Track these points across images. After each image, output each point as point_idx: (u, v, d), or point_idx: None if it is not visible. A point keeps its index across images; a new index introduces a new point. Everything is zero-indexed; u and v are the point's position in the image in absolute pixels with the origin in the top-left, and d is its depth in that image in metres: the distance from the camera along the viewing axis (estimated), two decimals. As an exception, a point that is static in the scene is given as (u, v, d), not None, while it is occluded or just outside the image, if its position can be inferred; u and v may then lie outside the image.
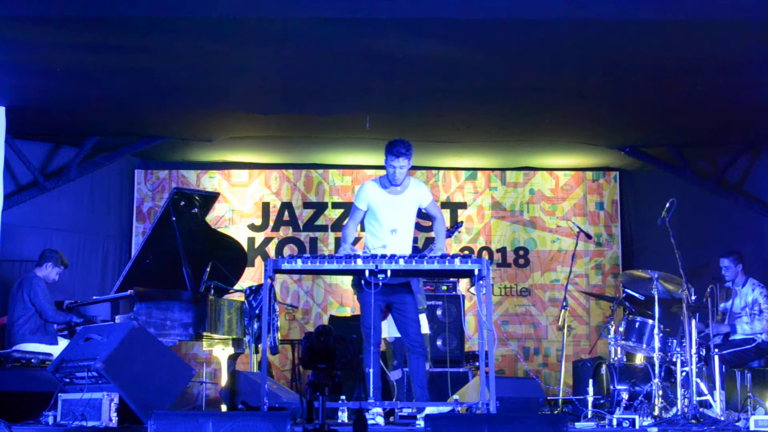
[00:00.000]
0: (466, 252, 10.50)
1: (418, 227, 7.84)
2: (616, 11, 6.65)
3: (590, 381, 7.51)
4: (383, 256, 6.11)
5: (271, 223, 10.89)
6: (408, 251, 6.59)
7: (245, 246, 9.42)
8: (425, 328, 7.83)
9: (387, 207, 6.61)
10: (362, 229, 6.84)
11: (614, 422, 6.74)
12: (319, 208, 10.95)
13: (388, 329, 7.36)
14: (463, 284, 8.93)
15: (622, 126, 9.57)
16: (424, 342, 6.88)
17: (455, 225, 8.22)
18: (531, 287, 10.89)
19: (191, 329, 7.13)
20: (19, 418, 6.22)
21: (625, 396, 7.46)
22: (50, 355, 7.58)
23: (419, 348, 6.62)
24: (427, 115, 9.12)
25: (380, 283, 6.14)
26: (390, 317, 6.88)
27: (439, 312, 8.71)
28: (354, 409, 6.15)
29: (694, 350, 7.12)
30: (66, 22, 6.89)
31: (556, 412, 7.85)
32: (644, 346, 7.58)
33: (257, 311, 7.33)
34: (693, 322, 7.18)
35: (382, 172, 6.70)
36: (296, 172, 10.98)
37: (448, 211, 10.97)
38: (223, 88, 8.41)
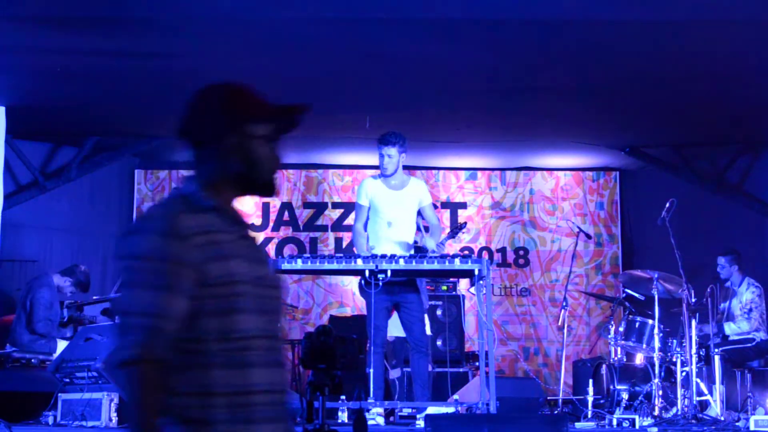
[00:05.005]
0: (466, 252, 10.50)
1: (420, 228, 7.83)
2: (616, 11, 6.65)
3: (590, 381, 7.51)
4: (383, 256, 6.11)
5: (271, 223, 10.89)
6: (409, 246, 6.61)
7: (245, 246, 9.39)
8: (427, 330, 7.84)
9: (387, 201, 6.63)
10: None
11: (614, 422, 6.74)
12: (319, 208, 10.95)
13: (389, 328, 7.36)
14: (463, 284, 8.93)
15: (622, 126, 9.57)
16: (428, 342, 6.89)
17: (459, 226, 8.22)
18: (531, 287, 10.88)
19: (191, 329, 7.11)
20: (19, 418, 6.23)
21: (625, 396, 7.46)
22: (50, 355, 7.58)
23: (423, 348, 6.61)
24: (427, 115, 9.12)
25: (380, 283, 6.15)
26: (394, 316, 6.89)
27: (439, 312, 8.71)
28: (354, 409, 6.16)
29: (694, 350, 7.12)
30: (66, 22, 6.89)
31: (556, 412, 7.85)
32: (644, 346, 7.58)
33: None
34: (693, 322, 7.18)
35: (383, 172, 6.74)
36: (296, 172, 10.98)
37: (448, 211, 10.97)
38: (223, 88, 8.39)
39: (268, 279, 2.21)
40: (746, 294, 8.13)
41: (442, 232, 7.14)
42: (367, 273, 6.10)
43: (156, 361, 2.01)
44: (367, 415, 5.97)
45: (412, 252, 6.60)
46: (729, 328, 8.08)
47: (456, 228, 8.00)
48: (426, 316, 7.75)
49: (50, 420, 6.17)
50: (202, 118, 2.23)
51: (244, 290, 2.11)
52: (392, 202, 6.63)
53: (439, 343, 8.49)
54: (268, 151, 2.26)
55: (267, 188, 2.28)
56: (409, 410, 6.71)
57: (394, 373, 7.51)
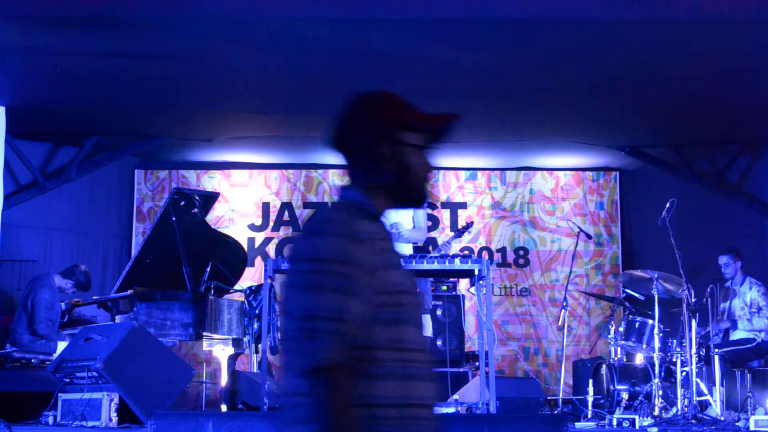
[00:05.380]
0: (466, 252, 10.50)
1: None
2: (616, 11, 6.65)
3: (590, 381, 7.51)
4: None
5: (271, 223, 10.89)
6: (408, 248, 6.61)
7: (245, 246, 9.42)
8: (428, 331, 7.84)
9: None
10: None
11: (614, 422, 6.74)
12: (319, 208, 10.94)
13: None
14: (463, 284, 8.93)
15: (622, 126, 9.57)
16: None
17: (465, 226, 8.21)
18: (531, 287, 10.88)
19: (191, 329, 7.13)
20: (19, 418, 6.23)
21: (625, 396, 7.46)
22: (50, 355, 7.58)
23: (419, 348, 6.62)
24: (427, 115, 9.11)
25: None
26: None
27: (439, 312, 8.71)
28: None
29: (694, 350, 7.12)
30: (66, 22, 6.89)
31: (556, 412, 7.85)
32: (644, 346, 7.58)
33: (257, 311, 7.33)
34: (693, 322, 7.18)
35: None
36: (296, 172, 10.98)
37: (448, 211, 10.97)
38: (223, 88, 8.41)
39: (416, 293, 2.21)
40: (750, 293, 8.12)
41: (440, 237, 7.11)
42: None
43: (345, 366, 1.97)
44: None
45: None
46: (742, 324, 8.06)
47: (462, 228, 8.02)
48: (428, 316, 7.78)
49: (50, 420, 6.17)
50: (354, 126, 2.21)
51: (407, 301, 2.10)
52: None
53: (439, 343, 8.50)
54: (420, 160, 2.23)
55: (419, 197, 2.25)
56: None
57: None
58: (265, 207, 10.91)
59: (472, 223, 8.31)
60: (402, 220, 6.68)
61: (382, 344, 2.03)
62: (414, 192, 2.23)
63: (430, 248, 10.44)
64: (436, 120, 2.24)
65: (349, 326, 1.98)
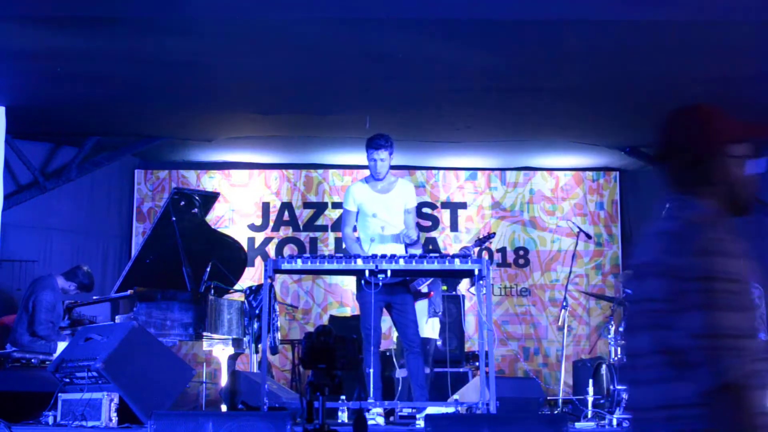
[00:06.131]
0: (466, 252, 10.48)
1: (417, 227, 7.83)
2: (616, 11, 6.65)
3: (590, 381, 7.50)
4: (383, 256, 6.11)
5: (271, 223, 10.89)
6: (401, 248, 6.60)
7: (245, 246, 9.41)
8: (435, 333, 7.84)
9: (374, 205, 6.63)
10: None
11: (614, 422, 6.74)
12: (319, 208, 10.95)
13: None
14: (463, 284, 8.93)
15: (622, 126, 9.57)
16: (422, 342, 6.87)
17: (488, 236, 8.23)
18: (531, 287, 10.88)
19: (191, 329, 7.13)
20: (19, 418, 6.22)
21: (625, 396, 7.46)
22: (50, 355, 7.58)
23: (417, 348, 6.61)
24: (427, 115, 9.12)
25: (380, 284, 6.15)
26: None
27: (439, 312, 8.70)
28: (354, 409, 6.16)
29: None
30: (66, 22, 6.89)
31: (556, 412, 7.84)
32: (644, 346, 7.56)
33: (257, 311, 7.33)
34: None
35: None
36: (296, 172, 10.98)
37: (448, 211, 10.97)
38: (223, 88, 8.41)
39: None
40: (747, 294, 8.12)
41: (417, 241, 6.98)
42: (367, 273, 6.10)
43: (750, 379, 2.04)
44: (367, 415, 5.96)
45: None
46: None
47: (483, 237, 8.04)
48: (437, 320, 7.79)
49: (50, 420, 6.16)
50: (685, 139, 2.29)
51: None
52: (380, 206, 6.64)
53: (439, 343, 8.49)
54: (743, 170, 2.30)
55: (745, 208, 2.34)
56: (409, 410, 6.71)
57: (401, 373, 7.51)
58: (265, 207, 10.92)
59: (494, 234, 8.34)
60: (395, 221, 6.66)
61: (758, 356, 2.11)
62: (745, 203, 2.33)
63: (430, 247, 10.44)
64: (760, 131, 2.31)
65: (747, 342, 2.07)
